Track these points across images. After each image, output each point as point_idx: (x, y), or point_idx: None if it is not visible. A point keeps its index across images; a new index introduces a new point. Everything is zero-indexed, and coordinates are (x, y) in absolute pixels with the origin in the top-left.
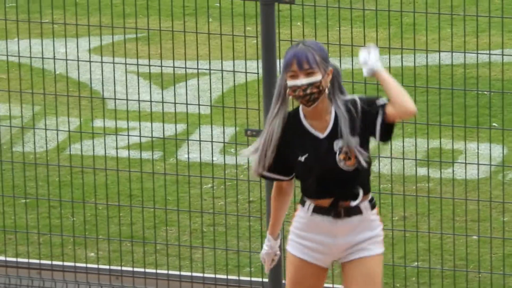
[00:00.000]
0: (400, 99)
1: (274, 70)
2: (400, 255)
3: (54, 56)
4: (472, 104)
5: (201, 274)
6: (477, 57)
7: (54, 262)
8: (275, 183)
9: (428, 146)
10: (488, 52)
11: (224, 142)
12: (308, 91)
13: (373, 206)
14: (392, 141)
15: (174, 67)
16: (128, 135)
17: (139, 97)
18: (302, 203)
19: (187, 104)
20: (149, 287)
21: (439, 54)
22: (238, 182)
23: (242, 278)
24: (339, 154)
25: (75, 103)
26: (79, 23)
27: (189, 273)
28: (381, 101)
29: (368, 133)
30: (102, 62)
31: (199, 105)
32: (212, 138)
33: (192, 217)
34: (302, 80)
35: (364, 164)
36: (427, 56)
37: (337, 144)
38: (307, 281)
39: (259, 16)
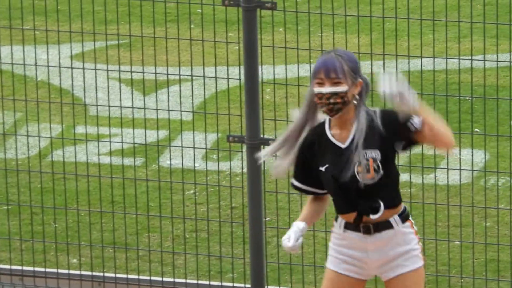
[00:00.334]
0: (444, 134)
1: (256, 76)
2: None
3: (36, 63)
4: (454, 110)
5: (183, 280)
6: (459, 63)
7: (37, 269)
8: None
9: (410, 151)
10: (470, 57)
11: (206, 148)
12: (332, 100)
13: (404, 219)
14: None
15: (156, 73)
16: (110, 142)
17: (121, 104)
18: (336, 218)
19: (169, 110)
20: None
21: (421, 60)
22: (221, 188)
23: (224, 284)
24: (357, 166)
25: (57, 109)
26: (61, 29)
27: (171, 279)
28: (417, 120)
29: (391, 146)
30: (84, 69)
31: (181, 111)
32: (194, 144)
33: (175, 223)
34: (327, 89)
35: (378, 177)
36: (409, 62)
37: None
38: None
39: (241, 22)
